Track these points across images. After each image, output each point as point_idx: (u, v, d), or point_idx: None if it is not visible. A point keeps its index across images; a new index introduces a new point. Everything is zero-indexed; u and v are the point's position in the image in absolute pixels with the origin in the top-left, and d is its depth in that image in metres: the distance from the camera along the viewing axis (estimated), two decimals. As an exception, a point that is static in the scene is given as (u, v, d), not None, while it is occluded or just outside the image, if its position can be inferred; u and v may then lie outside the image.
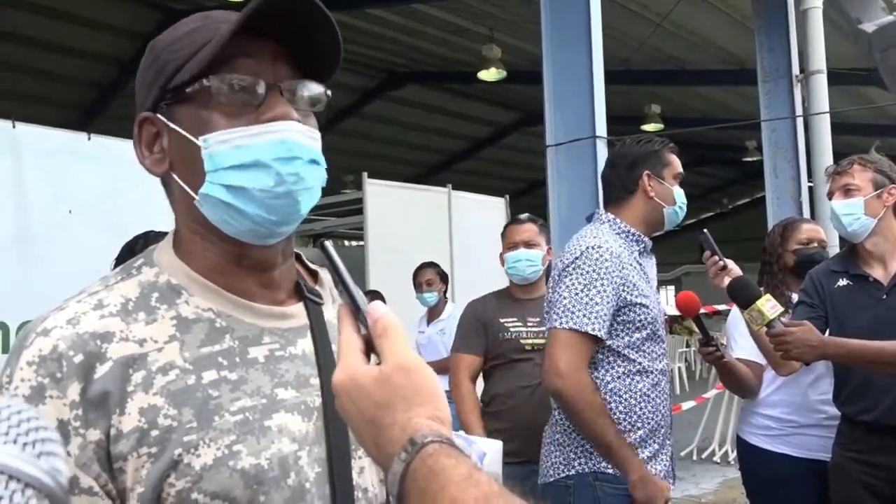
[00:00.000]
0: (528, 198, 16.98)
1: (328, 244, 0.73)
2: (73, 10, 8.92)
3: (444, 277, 4.61)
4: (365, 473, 0.87)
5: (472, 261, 6.06)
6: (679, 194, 2.20)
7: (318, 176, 0.83)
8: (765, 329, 2.16)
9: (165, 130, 0.84)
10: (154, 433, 0.75)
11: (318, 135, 0.86)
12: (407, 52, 11.08)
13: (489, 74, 10.34)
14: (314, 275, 0.97)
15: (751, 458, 2.68)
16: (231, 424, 0.78)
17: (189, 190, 0.82)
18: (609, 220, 2.17)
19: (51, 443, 0.51)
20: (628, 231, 2.15)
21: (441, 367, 4.53)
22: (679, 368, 11.44)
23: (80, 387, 0.74)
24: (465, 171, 16.13)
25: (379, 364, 0.66)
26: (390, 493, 0.60)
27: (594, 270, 2.01)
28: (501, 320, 2.98)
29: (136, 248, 1.90)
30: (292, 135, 0.80)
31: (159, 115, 0.84)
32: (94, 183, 3.49)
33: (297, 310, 0.89)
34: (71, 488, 0.72)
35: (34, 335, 0.76)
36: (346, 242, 15.71)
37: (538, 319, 2.90)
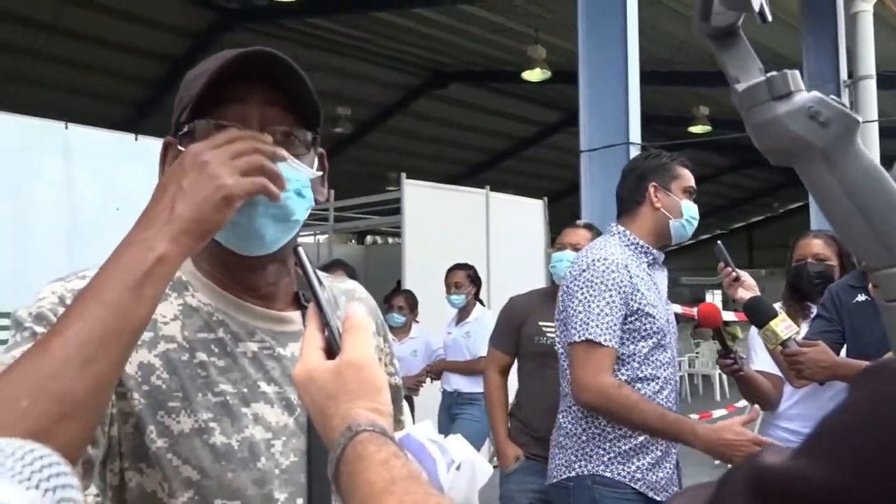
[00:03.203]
0: (570, 199, 16.82)
1: (300, 250, 0.81)
2: (123, 6, 9.19)
3: (474, 280, 4.56)
4: None
5: (508, 263, 6.03)
6: (687, 208, 2.22)
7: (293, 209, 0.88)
8: (780, 348, 2.18)
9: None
10: (145, 388, 0.85)
11: (302, 173, 0.91)
12: (452, 51, 11.15)
13: (534, 74, 10.35)
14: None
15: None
16: (211, 404, 0.88)
17: None
18: (619, 233, 2.22)
19: (70, 489, 0.46)
20: (637, 243, 2.19)
21: (464, 368, 4.49)
22: (719, 375, 11.26)
23: None
24: (508, 170, 16.12)
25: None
26: (329, 475, 0.68)
27: (602, 282, 2.07)
28: (540, 323, 2.99)
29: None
30: None
31: (177, 142, 0.94)
32: (140, 181, 3.63)
33: (294, 316, 0.98)
34: None
35: (48, 284, 0.86)
36: (380, 240, 15.77)
37: None
